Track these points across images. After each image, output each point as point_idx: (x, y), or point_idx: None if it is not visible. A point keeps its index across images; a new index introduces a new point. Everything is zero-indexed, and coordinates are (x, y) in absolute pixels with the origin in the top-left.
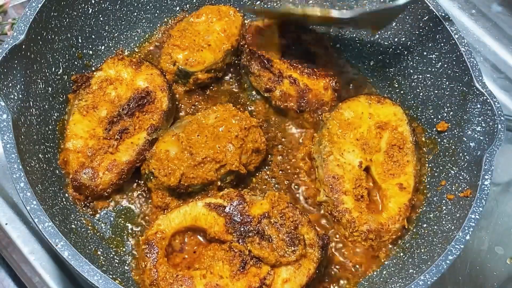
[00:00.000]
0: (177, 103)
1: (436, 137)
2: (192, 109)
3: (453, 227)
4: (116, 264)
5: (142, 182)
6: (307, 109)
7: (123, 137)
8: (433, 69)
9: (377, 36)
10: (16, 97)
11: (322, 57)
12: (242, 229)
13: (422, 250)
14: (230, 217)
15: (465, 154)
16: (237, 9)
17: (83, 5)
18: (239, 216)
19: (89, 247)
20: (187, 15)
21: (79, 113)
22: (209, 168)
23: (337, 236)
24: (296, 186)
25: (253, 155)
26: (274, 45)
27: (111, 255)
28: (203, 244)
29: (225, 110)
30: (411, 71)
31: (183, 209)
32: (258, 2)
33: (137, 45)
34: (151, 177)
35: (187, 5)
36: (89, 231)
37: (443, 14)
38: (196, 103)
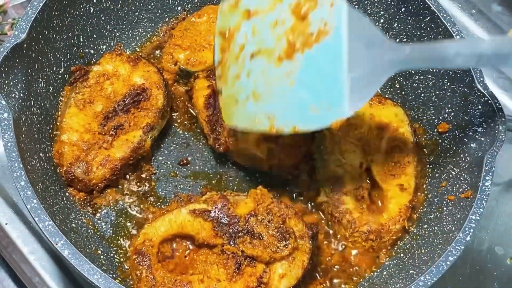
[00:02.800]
0: (177, 102)
1: (437, 138)
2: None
3: (453, 228)
4: (117, 264)
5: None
6: None
7: (118, 133)
8: (434, 70)
9: None
10: (17, 96)
11: None
12: (231, 230)
13: (423, 251)
14: (217, 221)
15: (466, 155)
16: None
17: (85, 4)
18: (225, 218)
19: (90, 246)
20: (188, 15)
21: (76, 107)
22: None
23: (337, 236)
24: (296, 186)
25: None
26: None
27: (112, 255)
28: (193, 249)
29: None
30: (413, 71)
31: (168, 217)
32: None
33: (139, 44)
34: None
35: (189, 5)
36: (89, 230)
37: (444, 15)
38: None
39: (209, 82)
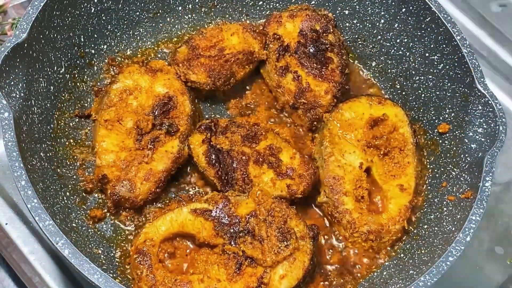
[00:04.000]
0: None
1: (438, 138)
2: None
3: (453, 229)
4: (117, 263)
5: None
6: (301, 107)
7: (156, 146)
8: (435, 71)
9: (379, 37)
10: (18, 96)
11: (335, 63)
12: (232, 230)
13: (423, 251)
14: (218, 220)
15: (466, 155)
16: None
17: (86, 4)
18: (226, 218)
19: (90, 246)
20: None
21: (105, 128)
22: None
23: (338, 237)
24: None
25: None
26: None
27: (112, 254)
28: (193, 249)
29: None
30: (413, 72)
31: (169, 216)
32: (261, 3)
33: (139, 44)
34: None
35: (190, 5)
36: (90, 230)
37: (445, 16)
38: None
39: (202, 136)
